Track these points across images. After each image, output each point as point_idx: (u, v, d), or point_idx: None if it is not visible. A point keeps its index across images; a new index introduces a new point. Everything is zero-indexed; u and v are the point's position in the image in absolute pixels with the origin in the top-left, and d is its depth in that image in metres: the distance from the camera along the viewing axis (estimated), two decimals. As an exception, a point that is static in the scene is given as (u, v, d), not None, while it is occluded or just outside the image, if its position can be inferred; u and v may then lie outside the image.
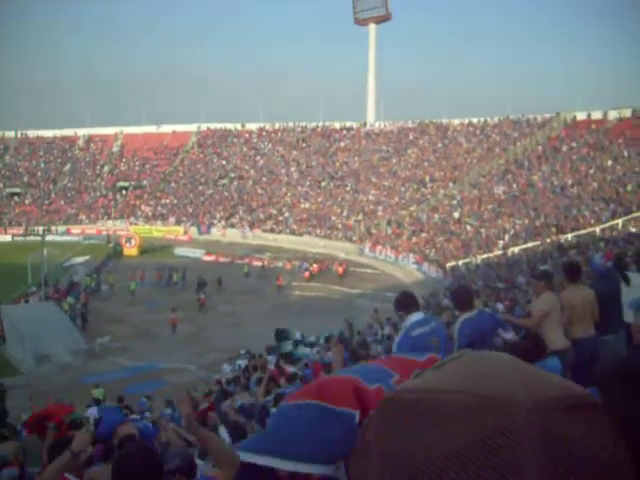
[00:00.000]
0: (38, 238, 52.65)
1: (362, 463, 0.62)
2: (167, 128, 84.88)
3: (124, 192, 74.66)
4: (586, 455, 0.53)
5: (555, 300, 7.06)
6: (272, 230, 62.79)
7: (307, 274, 47.39)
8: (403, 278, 46.48)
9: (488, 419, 0.53)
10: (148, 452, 3.45)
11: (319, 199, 66.19)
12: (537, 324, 6.75)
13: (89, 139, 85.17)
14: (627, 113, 59.90)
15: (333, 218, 61.85)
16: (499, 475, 0.51)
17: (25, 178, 77.48)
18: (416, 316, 5.68)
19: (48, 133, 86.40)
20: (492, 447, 0.52)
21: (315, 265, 48.91)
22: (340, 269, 47.79)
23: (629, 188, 46.28)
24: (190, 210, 68.92)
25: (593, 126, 59.53)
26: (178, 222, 67.04)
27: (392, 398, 0.61)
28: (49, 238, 55.49)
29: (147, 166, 78.98)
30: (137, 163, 79.72)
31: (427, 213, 56.54)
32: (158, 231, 65.27)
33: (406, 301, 5.81)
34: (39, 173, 78.79)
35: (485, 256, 44.23)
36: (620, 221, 40.76)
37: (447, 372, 0.60)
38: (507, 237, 46.58)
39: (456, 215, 54.10)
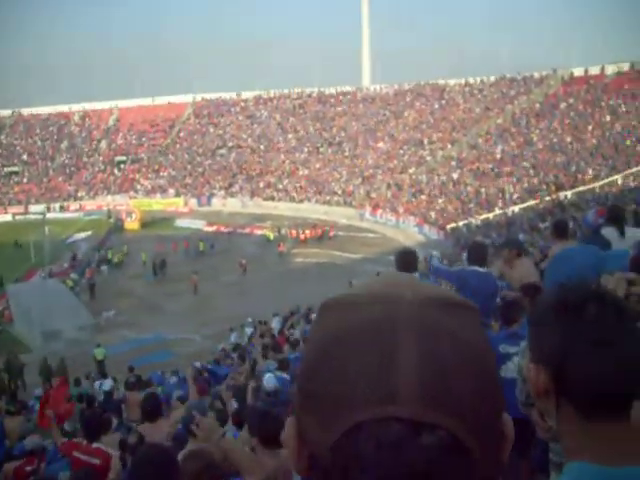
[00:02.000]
0: (39, 216, 52.75)
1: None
2: (162, 100, 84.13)
3: (122, 166, 74.45)
4: (457, 339, 0.64)
5: (530, 265, 7.18)
6: (272, 198, 62.80)
7: (302, 237, 48.17)
8: (404, 241, 46.55)
9: (379, 308, 0.64)
10: (166, 455, 3.46)
11: (317, 165, 66.07)
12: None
13: (84, 115, 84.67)
14: (625, 67, 59.35)
15: (332, 184, 61.80)
16: (380, 349, 0.61)
17: (23, 156, 77.26)
18: None
19: (43, 110, 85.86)
20: (378, 328, 0.63)
21: (307, 231, 49.22)
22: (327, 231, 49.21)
23: (628, 143, 46.21)
24: (189, 182, 68.84)
25: (591, 81, 59.14)
26: (178, 194, 67.01)
27: (324, 302, 0.72)
28: (50, 216, 55.60)
29: (144, 139, 78.66)
30: (134, 137, 79.38)
31: (426, 175, 56.49)
32: (158, 204, 65.22)
33: (403, 262, 5.91)
34: (36, 151, 78.52)
35: (485, 216, 44.32)
36: (619, 177, 40.78)
37: (365, 283, 0.73)
38: (507, 197, 46.63)
39: (455, 176, 54.07)
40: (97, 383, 15.08)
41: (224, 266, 41.94)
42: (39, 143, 79.91)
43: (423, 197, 52.81)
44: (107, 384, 14.67)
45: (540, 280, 7.00)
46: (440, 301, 0.67)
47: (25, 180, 73.22)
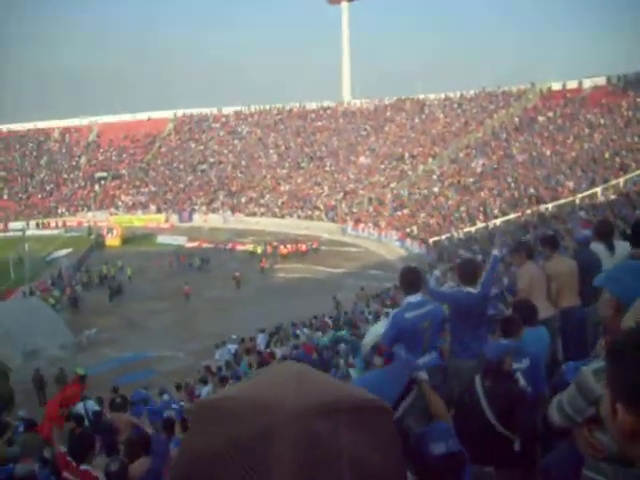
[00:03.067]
0: (18, 234, 52.25)
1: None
2: (142, 115, 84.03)
3: (103, 182, 74.05)
4: (339, 456, 0.57)
5: (536, 270, 7.19)
6: (254, 214, 62.70)
7: (284, 251, 48.40)
8: (386, 255, 46.72)
9: (254, 421, 0.58)
10: None
11: (299, 180, 66.11)
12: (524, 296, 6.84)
13: (64, 131, 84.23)
14: (602, 81, 60.22)
15: (314, 199, 61.85)
16: (252, 474, 0.56)
17: (1, 173, 76.57)
18: (413, 297, 5.73)
19: (21, 127, 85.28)
20: (251, 448, 0.57)
21: (288, 245, 49.41)
22: (304, 247, 49.36)
23: (607, 155, 46.65)
24: (170, 197, 68.59)
25: (569, 95, 59.87)
26: (159, 210, 66.72)
27: (194, 404, 0.68)
28: (29, 232, 55.08)
29: (124, 155, 78.36)
30: (114, 153, 79.04)
31: (408, 189, 56.68)
32: (139, 220, 64.94)
33: (406, 281, 5.88)
34: (15, 167, 77.91)
35: (467, 230, 44.50)
36: (599, 189, 41.11)
37: (241, 384, 0.67)
38: (488, 210, 46.86)
39: (436, 190, 54.29)
40: (79, 405, 14.77)
41: (207, 282, 41.70)
42: (18, 160, 79.28)
43: (405, 211, 52.96)
44: (91, 404, 14.40)
45: (544, 282, 7.02)
46: (327, 408, 0.60)
47: (4, 197, 72.52)
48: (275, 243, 49.72)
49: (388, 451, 0.62)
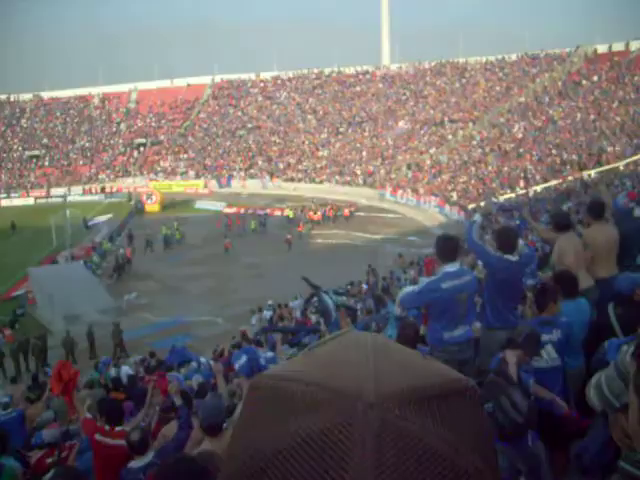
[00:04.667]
0: (60, 200, 53.01)
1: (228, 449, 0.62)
2: (181, 82, 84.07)
3: (142, 149, 74.61)
4: (426, 454, 0.53)
5: (576, 240, 6.96)
6: (292, 179, 62.63)
7: (316, 217, 48.27)
8: (425, 221, 46.32)
9: (331, 413, 0.54)
10: (195, 466, 3.23)
11: (337, 146, 65.72)
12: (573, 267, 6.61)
13: (103, 98, 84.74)
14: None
15: (352, 164, 61.46)
16: (325, 471, 0.51)
17: (43, 140, 77.58)
18: (451, 266, 5.60)
19: (62, 94, 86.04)
20: (327, 442, 0.52)
21: (321, 209, 49.38)
22: (346, 211, 48.84)
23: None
24: (209, 163, 68.81)
25: (615, 58, 58.07)
26: (197, 176, 67.02)
27: (255, 384, 0.61)
28: (70, 198, 55.83)
29: (163, 121, 78.69)
30: (153, 119, 79.41)
31: (447, 155, 55.94)
32: (178, 186, 65.30)
33: (443, 249, 5.74)
34: (57, 134, 78.84)
35: (507, 196, 43.84)
36: (644, 155, 40.14)
37: (310, 359, 0.60)
38: (529, 176, 46.05)
39: (476, 156, 53.49)
40: (113, 370, 14.95)
41: (243, 249, 41.77)
42: (59, 127, 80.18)
43: (444, 177, 52.34)
44: (125, 369, 14.62)
45: (582, 249, 6.81)
46: (410, 397, 0.55)
47: (46, 164, 73.55)
48: (313, 207, 49.53)
49: (483, 446, 0.57)
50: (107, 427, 6.08)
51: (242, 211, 52.52)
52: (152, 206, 56.90)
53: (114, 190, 65.33)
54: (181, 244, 44.59)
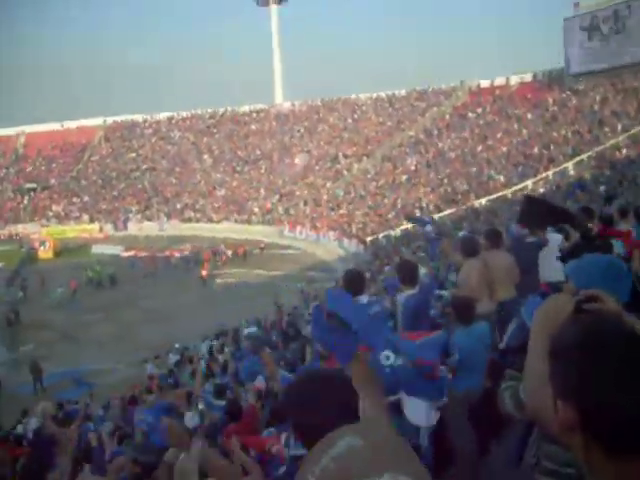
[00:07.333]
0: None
1: None
2: (71, 124, 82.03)
3: (32, 194, 72.07)
4: None
5: (480, 265, 7.27)
6: (190, 220, 62.06)
7: (223, 258, 48.15)
8: (324, 256, 46.85)
9: None
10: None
11: (234, 184, 65.71)
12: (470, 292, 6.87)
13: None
14: (528, 77, 61.93)
15: (250, 202, 61.57)
16: None
17: None
18: (362, 299, 5.53)
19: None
20: None
21: (229, 251, 49.29)
22: (240, 250, 48.94)
23: (535, 150, 47.82)
24: (104, 206, 67.24)
25: (497, 92, 61.23)
26: (92, 220, 65.33)
27: None
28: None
29: (54, 165, 76.41)
30: (43, 163, 77.06)
31: (343, 189, 56.99)
32: (72, 231, 63.37)
33: (348, 282, 5.76)
34: (-61, 181, 75.15)
35: (404, 227, 44.90)
36: (530, 182, 42.15)
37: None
38: (424, 206, 47.44)
39: (372, 189, 54.75)
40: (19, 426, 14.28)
41: (144, 292, 40.98)
42: (-58, 173, 76.50)
43: (342, 211, 53.20)
44: (33, 422, 13.98)
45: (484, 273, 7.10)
46: None
47: None
48: (213, 249, 49.27)
49: None
50: None
51: (142, 254, 51.37)
52: (45, 253, 54.90)
53: (3, 238, 62.77)
54: (115, 282, 44.28)
